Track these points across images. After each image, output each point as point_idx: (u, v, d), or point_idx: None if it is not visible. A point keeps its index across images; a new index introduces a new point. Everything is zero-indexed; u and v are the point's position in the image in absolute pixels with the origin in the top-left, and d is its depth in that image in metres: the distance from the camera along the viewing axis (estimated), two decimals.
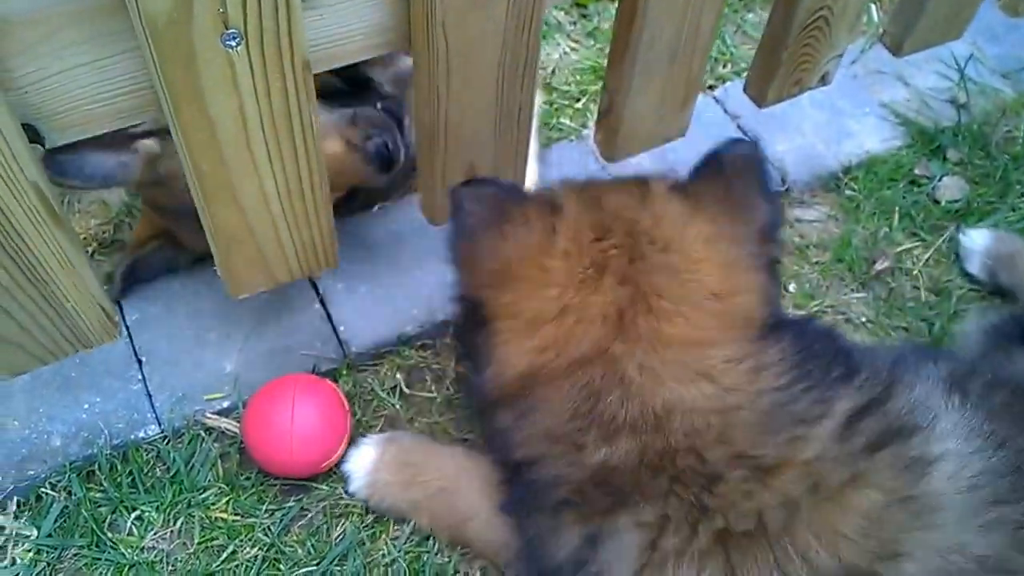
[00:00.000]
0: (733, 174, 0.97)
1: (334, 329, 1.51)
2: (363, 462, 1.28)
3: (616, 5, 1.27)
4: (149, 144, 1.30)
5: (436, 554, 1.24)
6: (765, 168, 1.03)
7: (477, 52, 1.14)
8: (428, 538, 1.26)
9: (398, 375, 1.47)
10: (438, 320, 1.53)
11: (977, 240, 1.60)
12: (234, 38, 0.90)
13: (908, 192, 1.71)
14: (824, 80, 1.53)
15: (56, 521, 1.24)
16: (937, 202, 1.69)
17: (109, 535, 1.24)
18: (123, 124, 1.00)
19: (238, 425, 1.35)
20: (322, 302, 1.54)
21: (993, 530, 0.78)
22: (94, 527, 1.23)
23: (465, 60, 1.13)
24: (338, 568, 1.22)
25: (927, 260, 1.64)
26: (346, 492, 1.29)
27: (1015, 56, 1.96)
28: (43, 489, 1.27)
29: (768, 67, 1.48)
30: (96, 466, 1.30)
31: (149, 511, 1.25)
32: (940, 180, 1.71)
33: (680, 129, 1.49)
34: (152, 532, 1.24)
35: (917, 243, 1.66)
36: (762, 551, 0.76)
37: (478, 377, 0.94)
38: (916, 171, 1.73)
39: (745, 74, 1.55)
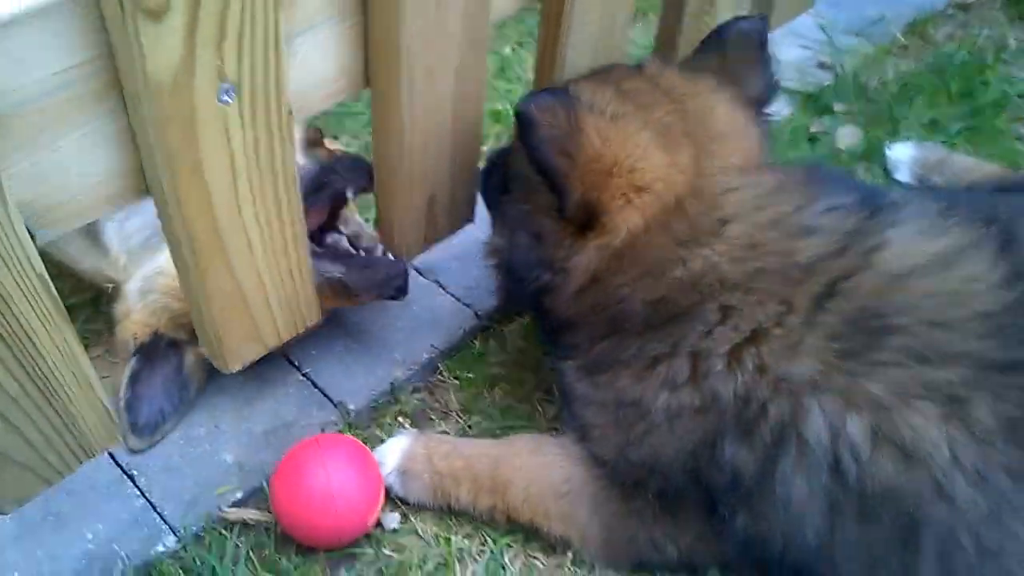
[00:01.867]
0: (732, 48, 1.19)
1: (323, 393, 1.46)
2: (395, 449, 1.28)
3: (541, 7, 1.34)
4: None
5: (518, 573, 1.22)
6: (764, 43, 1.20)
7: (437, 72, 1.18)
8: (503, 567, 1.23)
9: (403, 422, 1.44)
10: (423, 359, 1.52)
11: (903, 152, 1.84)
12: (228, 92, 0.90)
13: (813, 149, 1.90)
14: None
15: None
16: (840, 150, 1.89)
17: None
18: (110, 208, 0.96)
19: (260, 513, 1.28)
20: (301, 371, 1.50)
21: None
22: None
23: (427, 81, 1.17)
24: None
25: None
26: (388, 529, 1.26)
27: (858, 16, 2.25)
28: None
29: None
30: None
31: None
32: (836, 131, 1.92)
33: None
34: None
35: None
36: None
37: (561, 274, 1.14)
38: (813, 129, 1.93)
39: None
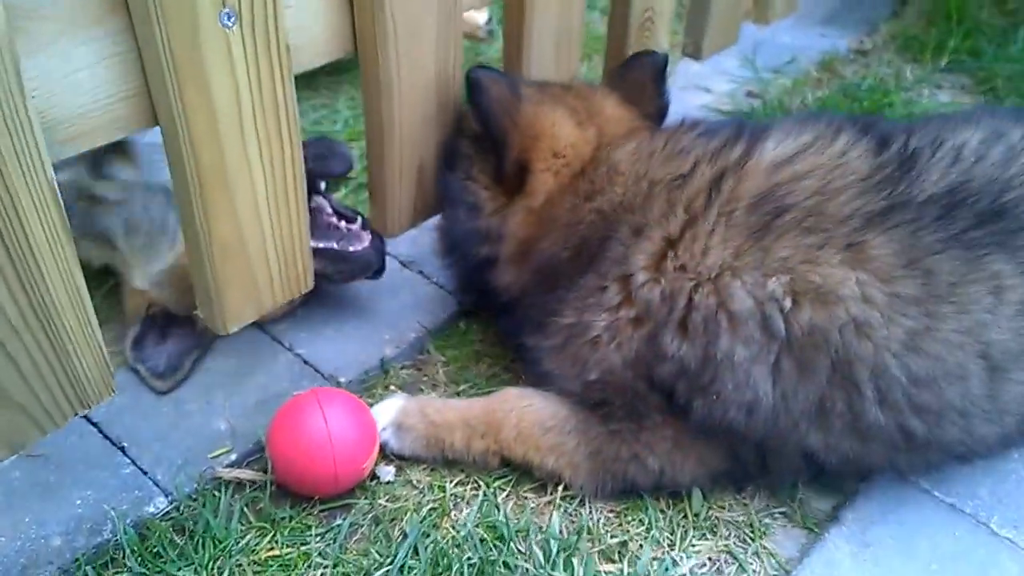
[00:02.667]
0: (633, 74, 1.45)
1: (314, 368, 1.48)
2: (390, 406, 1.32)
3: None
4: None
5: (509, 511, 1.22)
6: (659, 73, 1.45)
7: (420, 31, 1.27)
8: (495, 507, 1.24)
9: (394, 392, 1.46)
10: (411, 338, 1.55)
11: None
12: (230, 17, 0.98)
13: None
14: None
15: None
16: None
17: None
18: (120, 134, 1.01)
19: (255, 472, 1.27)
20: (292, 351, 1.52)
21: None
22: None
23: (410, 40, 1.26)
24: (414, 561, 1.16)
25: None
26: (384, 482, 1.28)
27: (775, 57, 2.57)
28: None
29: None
30: (112, 552, 1.15)
31: (188, 574, 1.13)
32: None
33: None
34: None
35: None
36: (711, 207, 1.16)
37: (502, 222, 1.35)
38: None
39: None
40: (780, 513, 1.27)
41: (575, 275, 1.24)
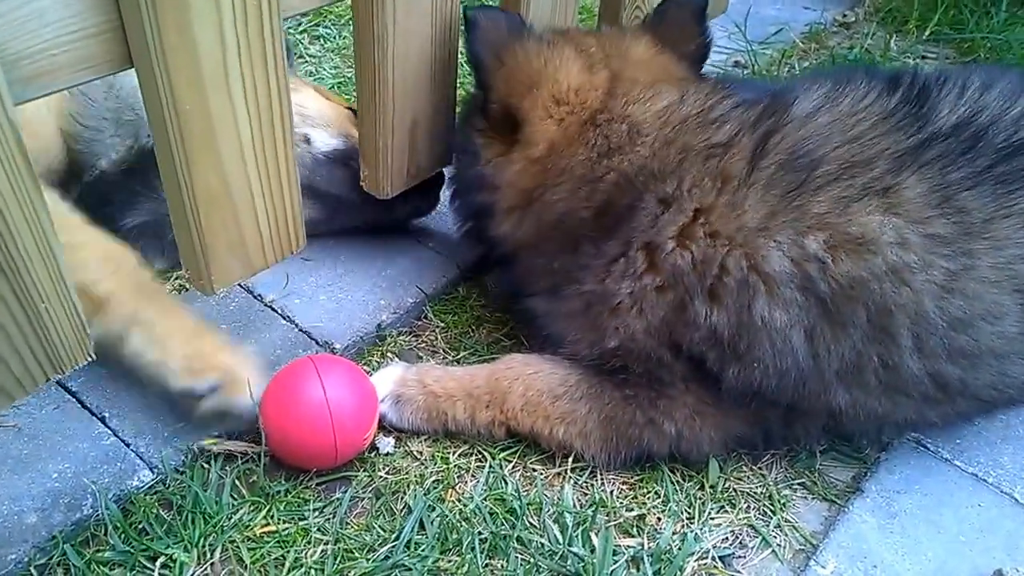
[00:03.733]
0: (670, 17, 1.34)
1: (308, 335, 1.40)
2: (388, 377, 1.25)
3: None
4: None
5: (519, 484, 1.15)
6: (698, 13, 1.34)
7: None
8: (503, 479, 1.17)
9: (391, 359, 1.38)
10: (409, 304, 1.47)
11: None
12: None
13: None
14: None
15: None
16: None
17: None
18: (89, 75, 0.91)
19: (247, 444, 1.20)
20: (285, 317, 1.43)
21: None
22: None
23: None
24: (420, 536, 1.09)
25: None
26: (383, 453, 1.21)
27: (761, 30, 2.52)
28: (31, 573, 1.03)
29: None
30: (92, 528, 1.08)
31: (176, 552, 1.05)
32: None
33: None
34: (188, 572, 1.04)
35: None
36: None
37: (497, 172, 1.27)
38: None
39: None
40: (799, 484, 1.22)
41: (598, 237, 1.16)
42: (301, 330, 1.41)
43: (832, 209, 1.04)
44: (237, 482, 1.15)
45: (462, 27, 1.30)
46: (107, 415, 1.23)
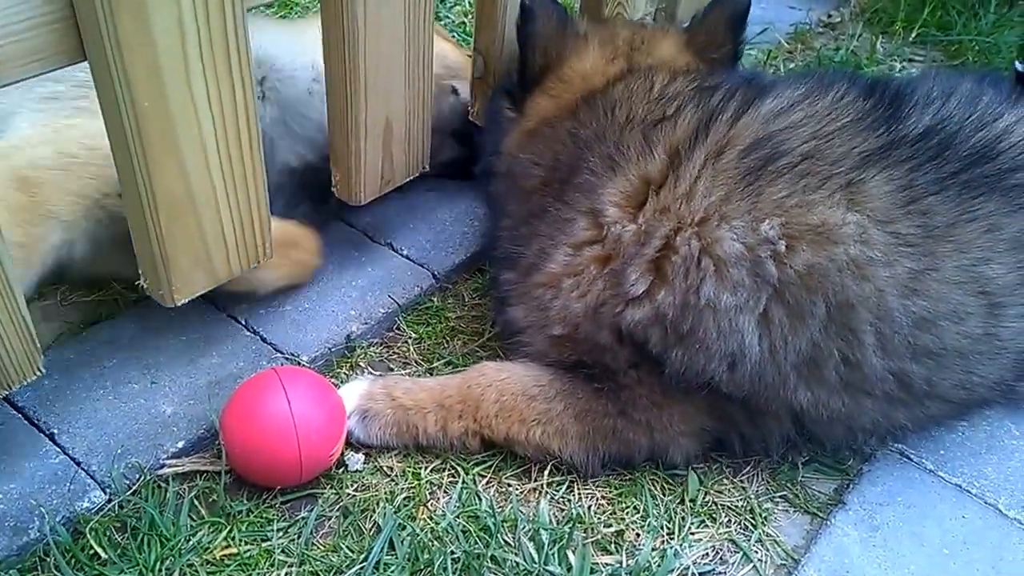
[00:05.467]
0: (715, 17, 1.38)
1: (274, 347, 1.34)
2: (354, 391, 1.20)
3: None
4: None
5: (493, 500, 1.10)
6: (733, 21, 1.38)
7: None
8: (476, 495, 1.13)
9: (361, 371, 1.33)
10: (380, 314, 1.43)
11: None
12: None
13: None
14: None
15: None
16: None
17: None
18: (42, 68, 0.86)
19: (207, 462, 1.14)
20: (250, 328, 1.37)
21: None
22: None
23: None
24: (390, 556, 1.04)
25: None
26: (352, 470, 1.16)
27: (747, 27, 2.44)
28: None
29: None
30: (40, 553, 1.01)
31: None
32: None
33: None
34: None
35: None
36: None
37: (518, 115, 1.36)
38: None
39: None
40: (780, 497, 1.19)
41: (547, 199, 1.18)
42: (266, 342, 1.35)
43: (791, 196, 1.03)
44: (196, 502, 1.09)
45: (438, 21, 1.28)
46: (56, 432, 1.16)
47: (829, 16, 2.66)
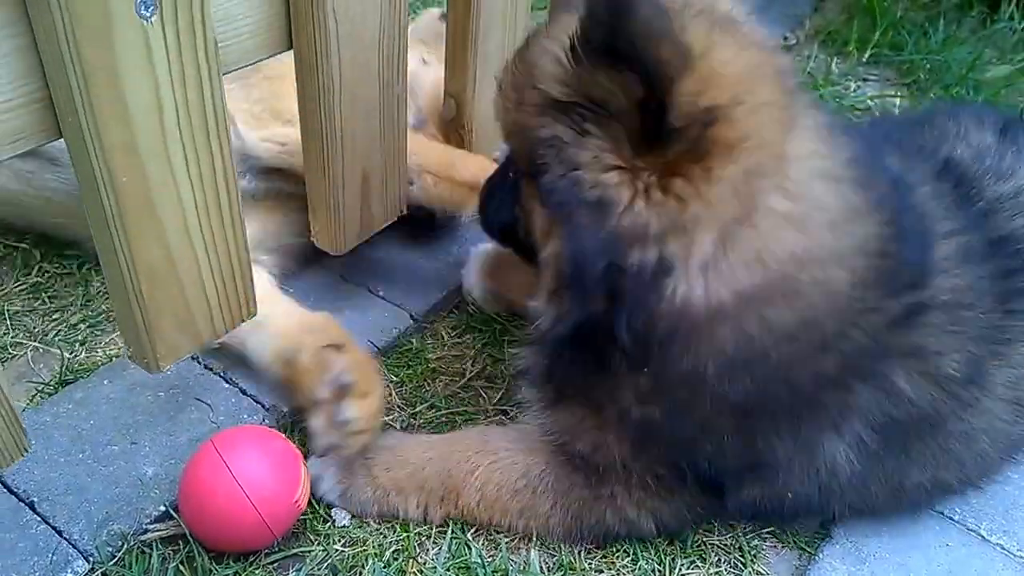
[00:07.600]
0: None
1: (254, 399, 1.33)
2: (325, 473, 1.17)
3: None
4: None
5: (481, 551, 1.10)
6: None
7: (360, 27, 1.15)
8: (466, 545, 1.12)
9: None
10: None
11: None
12: (148, 6, 0.83)
13: None
14: None
15: None
16: None
17: None
18: (21, 148, 0.85)
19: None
20: (229, 380, 1.36)
21: None
22: None
23: (350, 36, 1.13)
24: None
25: None
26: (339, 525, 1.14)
27: None
28: None
29: None
30: None
31: None
32: None
33: None
34: None
35: None
36: None
37: None
38: None
39: None
40: (768, 533, 1.20)
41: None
42: (246, 394, 1.34)
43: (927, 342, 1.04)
44: (181, 567, 1.07)
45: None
46: (35, 500, 1.14)
47: (785, 39, 2.72)
